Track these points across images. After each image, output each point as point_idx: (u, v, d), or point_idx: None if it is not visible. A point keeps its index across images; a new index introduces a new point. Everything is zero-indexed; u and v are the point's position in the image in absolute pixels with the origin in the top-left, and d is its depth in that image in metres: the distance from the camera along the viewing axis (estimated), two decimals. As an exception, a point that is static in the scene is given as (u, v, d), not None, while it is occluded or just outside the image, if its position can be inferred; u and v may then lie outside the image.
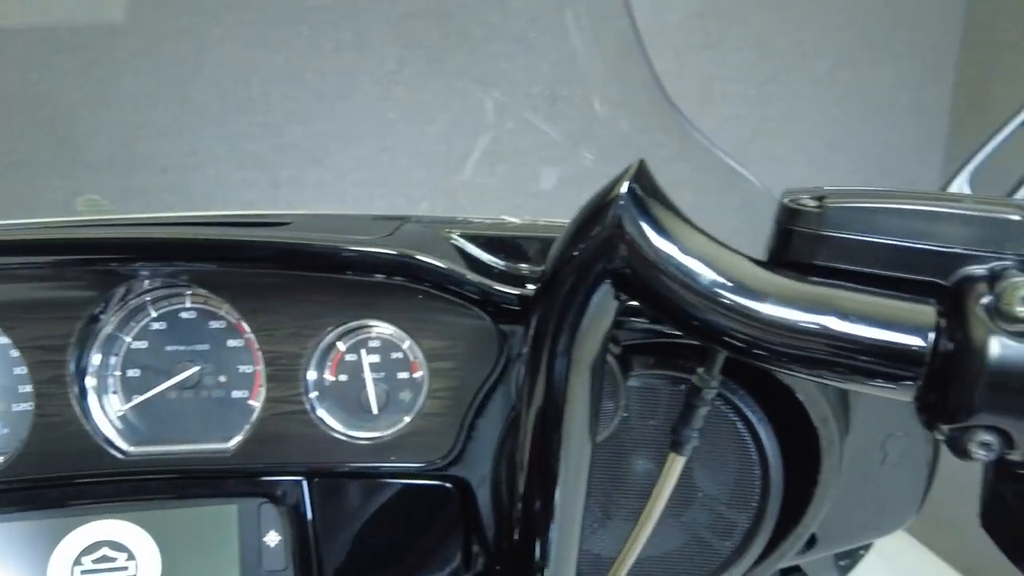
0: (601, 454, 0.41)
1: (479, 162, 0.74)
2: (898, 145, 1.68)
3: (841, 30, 1.60)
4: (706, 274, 0.28)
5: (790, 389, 0.43)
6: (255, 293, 0.42)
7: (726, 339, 0.28)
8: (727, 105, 1.58)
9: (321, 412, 0.43)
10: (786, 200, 0.29)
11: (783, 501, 0.46)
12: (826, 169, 1.65)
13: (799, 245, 0.29)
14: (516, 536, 0.38)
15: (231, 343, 0.43)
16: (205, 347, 0.43)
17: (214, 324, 0.43)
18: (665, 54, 1.50)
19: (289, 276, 0.42)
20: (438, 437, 0.43)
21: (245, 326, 0.42)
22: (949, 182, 0.34)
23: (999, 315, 0.24)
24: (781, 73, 1.63)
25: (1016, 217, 0.26)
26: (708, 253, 0.28)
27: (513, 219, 0.49)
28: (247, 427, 0.43)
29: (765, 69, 1.60)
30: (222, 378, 0.43)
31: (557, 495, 0.36)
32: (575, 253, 0.30)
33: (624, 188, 0.29)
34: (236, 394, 0.43)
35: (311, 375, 0.43)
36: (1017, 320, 0.24)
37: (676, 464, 0.39)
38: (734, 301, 0.28)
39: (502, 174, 0.73)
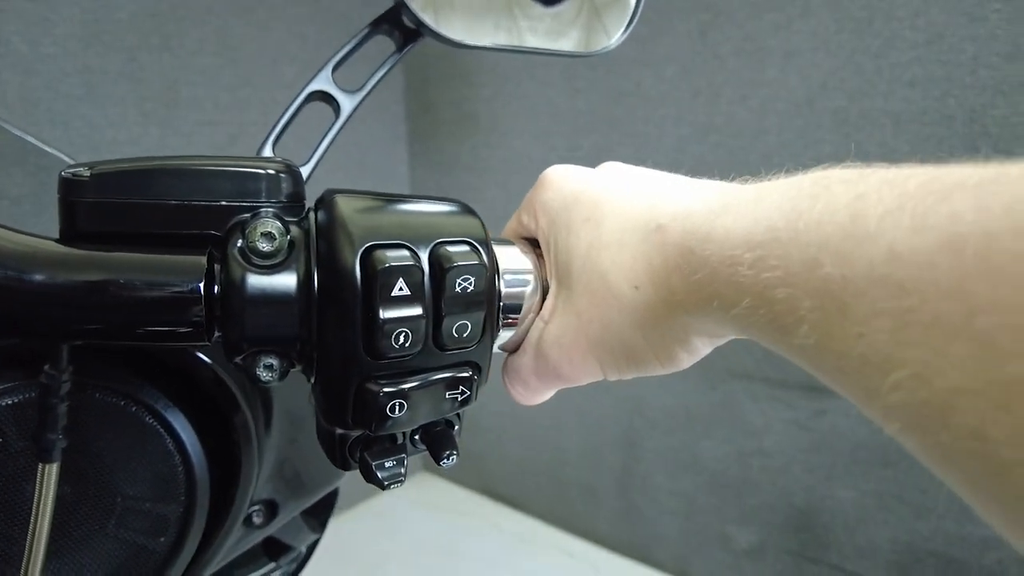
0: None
1: None
2: (372, 144, 1.89)
3: (304, 38, 1.71)
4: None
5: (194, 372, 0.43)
6: None
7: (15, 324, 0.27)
8: (198, 111, 1.53)
9: None
10: (64, 172, 0.29)
11: (220, 480, 0.47)
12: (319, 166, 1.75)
13: (82, 216, 0.29)
14: None
15: None
16: None
17: None
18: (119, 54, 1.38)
19: None
20: None
21: None
22: (259, 150, 0.38)
23: (250, 253, 0.28)
24: (254, 77, 1.65)
25: (269, 171, 0.30)
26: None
27: None
28: None
29: (234, 73, 1.60)
30: None
31: None
32: None
33: None
34: None
35: None
36: (260, 255, 0.28)
37: (50, 474, 0.36)
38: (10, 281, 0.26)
39: None
